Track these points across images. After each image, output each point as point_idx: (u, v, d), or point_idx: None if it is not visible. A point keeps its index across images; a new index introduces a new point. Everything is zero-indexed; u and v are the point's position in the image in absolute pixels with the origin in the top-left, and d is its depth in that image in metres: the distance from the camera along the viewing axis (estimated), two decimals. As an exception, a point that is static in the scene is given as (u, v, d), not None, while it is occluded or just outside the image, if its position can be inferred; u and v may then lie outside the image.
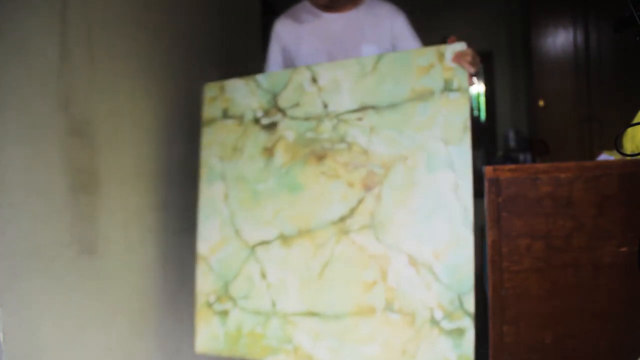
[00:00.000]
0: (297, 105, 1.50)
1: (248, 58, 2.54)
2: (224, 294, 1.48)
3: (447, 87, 1.32)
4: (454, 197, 1.24)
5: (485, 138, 4.73)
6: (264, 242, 1.46)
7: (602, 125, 3.72)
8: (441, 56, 1.34)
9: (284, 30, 1.70)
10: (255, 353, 1.38)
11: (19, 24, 1.30)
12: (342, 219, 1.37)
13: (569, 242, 1.04)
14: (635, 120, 1.23)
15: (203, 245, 1.57)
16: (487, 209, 1.08)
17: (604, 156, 1.36)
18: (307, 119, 1.48)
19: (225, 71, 2.30)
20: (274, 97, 1.54)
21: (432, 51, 1.35)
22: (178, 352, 1.84)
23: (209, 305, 1.50)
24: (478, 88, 4.89)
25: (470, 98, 1.29)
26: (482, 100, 4.85)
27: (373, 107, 1.40)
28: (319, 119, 1.46)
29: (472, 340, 1.13)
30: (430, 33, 5.27)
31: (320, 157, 1.44)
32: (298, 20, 1.68)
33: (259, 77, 1.59)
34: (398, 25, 1.63)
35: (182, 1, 2.01)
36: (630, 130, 1.26)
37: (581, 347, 1.04)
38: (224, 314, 1.46)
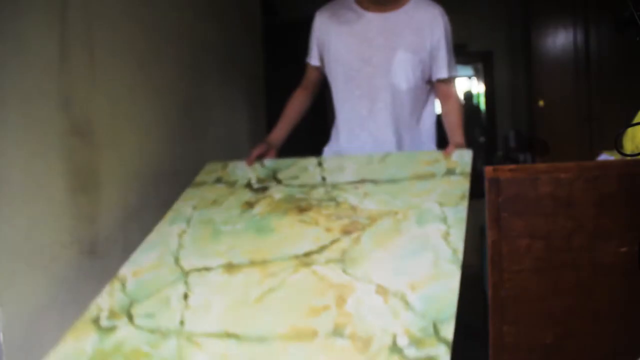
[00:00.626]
0: (295, 177, 1.51)
1: (249, 57, 2.54)
2: (122, 311, 1.23)
3: (450, 172, 1.40)
4: (443, 242, 1.20)
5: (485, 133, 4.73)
6: (204, 269, 1.28)
7: (602, 125, 3.72)
8: (447, 155, 1.45)
9: (321, 25, 1.65)
10: None
11: (19, 24, 1.30)
12: (308, 254, 1.24)
13: (569, 242, 1.04)
14: (635, 120, 1.23)
15: (126, 269, 1.34)
16: (487, 209, 1.08)
17: (604, 156, 1.36)
18: (301, 186, 1.48)
19: (226, 70, 2.30)
20: (274, 172, 1.56)
21: (438, 153, 1.47)
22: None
23: (95, 321, 1.23)
24: (478, 88, 4.89)
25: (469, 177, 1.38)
26: (482, 100, 4.85)
27: (372, 181, 1.43)
28: (313, 186, 1.46)
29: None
30: (430, 33, 5.20)
31: (303, 210, 1.38)
32: (336, 16, 1.61)
33: (267, 161, 1.60)
34: (437, 36, 1.55)
35: (183, 1, 2.01)
36: (630, 130, 1.26)
37: (581, 347, 1.04)
38: (109, 330, 1.19)
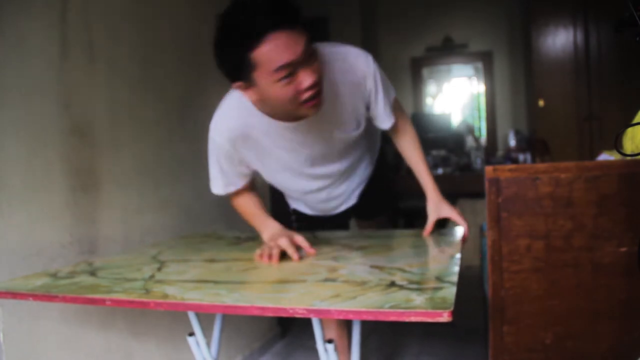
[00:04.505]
0: None
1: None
2: (84, 272, 1.15)
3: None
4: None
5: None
6: (183, 260, 1.24)
7: (602, 125, 3.72)
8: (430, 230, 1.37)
9: (237, 150, 1.32)
10: (72, 291, 0.97)
11: (19, 24, 1.30)
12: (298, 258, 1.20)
13: (569, 242, 1.04)
14: (635, 120, 1.23)
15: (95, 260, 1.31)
16: (487, 209, 1.08)
17: (604, 156, 1.36)
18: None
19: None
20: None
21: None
22: (178, 352, 1.84)
23: (51, 274, 1.14)
24: (478, 88, 4.89)
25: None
26: (482, 100, 4.85)
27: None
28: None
29: (453, 293, 0.82)
30: (431, 33, 5.28)
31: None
32: (251, 139, 1.29)
33: None
34: (367, 92, 1.31)
35: (182, 1, 2.01)
36: (630, 130, 1.26)
37: (581, 347, 1.04)
38: (65, 278, 1.10)
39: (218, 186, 1.40)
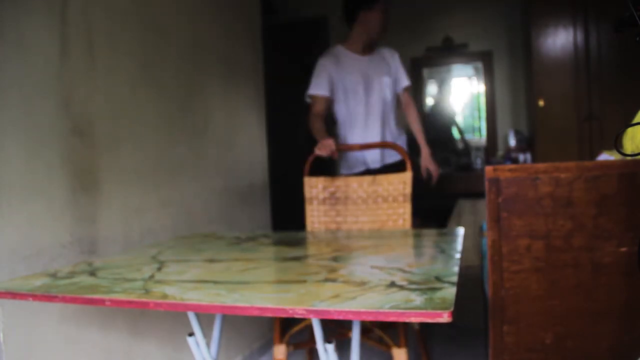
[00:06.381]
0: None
1: (249, 57, 2.54)
2: (84, 272, 1.15)
3: None
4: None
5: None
6: (183, 260, 1.25)
7: (602, 125, 3.72)
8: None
9: (331, 67, 2.45)
10: (72, 292, 0.97)
11: (19, 23, 1.30)
12: (297, 258, 1.22)
13: (569, 242, 1.04)
14: (635, 120, 1.23)
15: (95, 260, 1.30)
16: (487, 209, 1.08)
17: (604, 156, 1.36)
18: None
19: (226, 69, 2.30)
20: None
21: None
22: (178, 352, 1.84)
23: (50, 274, 1.14)
24: (478, 88, 4.89)
25: None
26: (482, 100, 4.85)
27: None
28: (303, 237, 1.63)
29: (453, 293, 0.83)
30: (431, 33, 5.27)
31: (293, 244, 1.44)
32: (339, 60, 2.47)
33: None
34: (396, 64, 2.57)
35: (182, 1, 2.01)
36: (630, 130, 1.26)
37: (581, 347, 1.04)
38: (64, 278, 1.10)
39: None
